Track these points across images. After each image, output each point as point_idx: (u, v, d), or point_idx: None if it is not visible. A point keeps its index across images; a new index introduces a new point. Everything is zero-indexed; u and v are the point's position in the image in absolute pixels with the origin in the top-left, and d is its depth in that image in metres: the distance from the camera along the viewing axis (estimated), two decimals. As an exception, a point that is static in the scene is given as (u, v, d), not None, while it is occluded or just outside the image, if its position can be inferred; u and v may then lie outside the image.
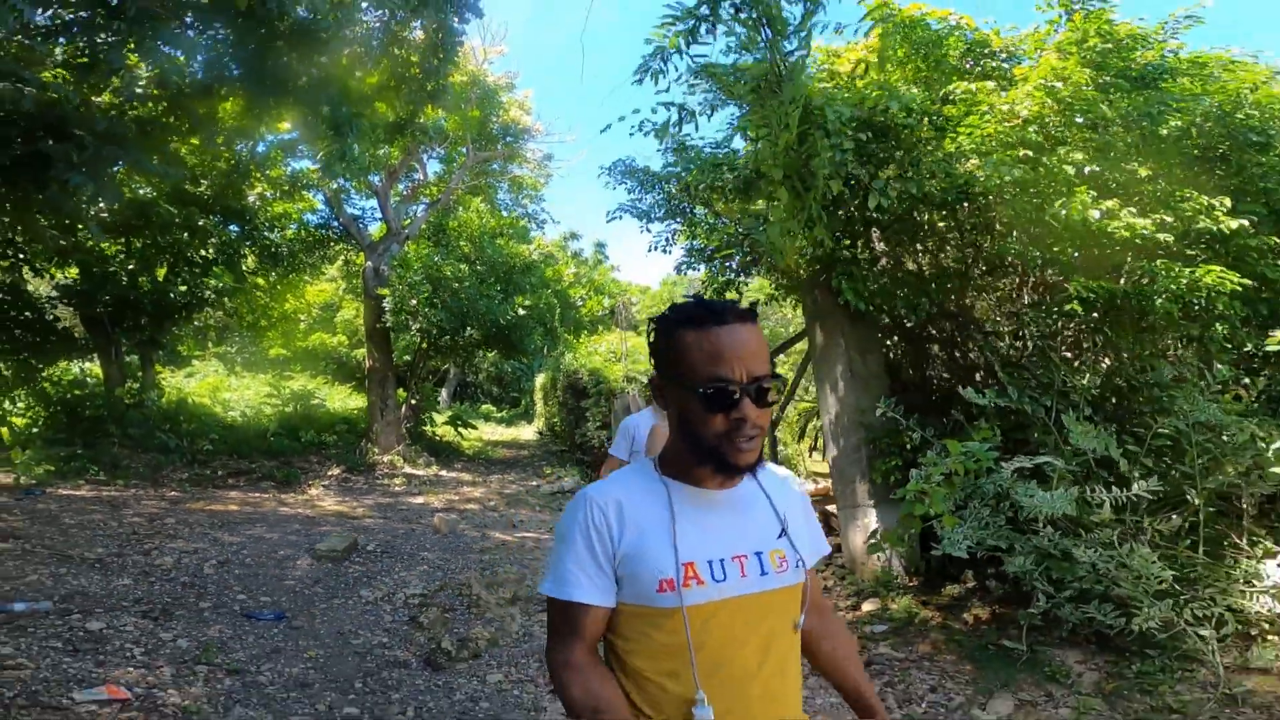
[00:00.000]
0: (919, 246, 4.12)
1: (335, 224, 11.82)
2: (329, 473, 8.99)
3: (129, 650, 3.06)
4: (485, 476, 9.94)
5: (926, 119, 3.56)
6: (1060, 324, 3.66)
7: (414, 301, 9.61)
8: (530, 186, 14.90)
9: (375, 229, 12.63)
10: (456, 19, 7.39)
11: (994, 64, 4.35)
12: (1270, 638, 2.87)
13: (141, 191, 8.88)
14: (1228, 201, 3.20)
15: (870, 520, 4.37)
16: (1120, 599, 2.85)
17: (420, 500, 7.74)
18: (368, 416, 10.91)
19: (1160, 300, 3.03)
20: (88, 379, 10.42)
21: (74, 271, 9.53)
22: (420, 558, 5.04)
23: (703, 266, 6.01)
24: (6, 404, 9.57)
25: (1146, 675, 2.79)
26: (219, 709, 2.69)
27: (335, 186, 10.33)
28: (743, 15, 3.10)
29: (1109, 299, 3.14)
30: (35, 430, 8.98)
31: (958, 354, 4.21)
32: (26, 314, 9.06)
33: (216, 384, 13.97)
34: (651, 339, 1.05)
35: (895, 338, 4.93)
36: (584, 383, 9.62)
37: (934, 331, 4.48)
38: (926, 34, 4.25)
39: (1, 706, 2.49)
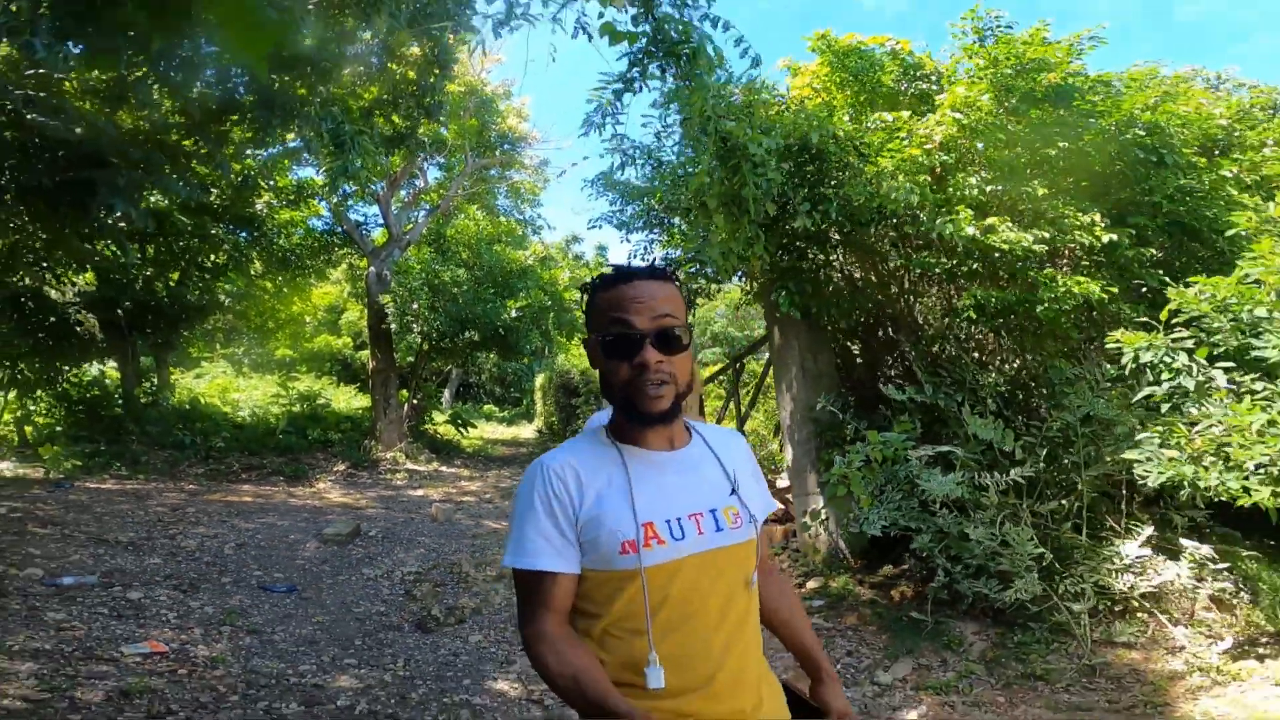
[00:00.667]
0: (854, 258, 4.61)
1: (339, 230, 12.40)
2: (335, 468, 9.56)
3: (164, 615, 3.61)
4: (483, 472, 10.49)
5: (851, 145, 4.06)
6: (971, 328, 4.15)
7: (415, 306, 10.17)
8: (529, 191, 15.44)
9: (378, 234, 13.21)
10: (452, 36, 7.93)
11: (925, 86, 4.85)
12: (1140, 615, 3.34)
13: (154, 199, 9.47)
14: (1097, 216, 3.68)
15: (819, 506, 4.88)
16: (1004, 574, 3.34)
17: (420, 493, 8.30)
18: (371, 415, 11.48)
19: (1042, 308, 3.52)
20: (105, 380, 11.04)
21: (89, 277, 10.14)
22: (417, 542, 5.58)
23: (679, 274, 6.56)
24: (29, 404, 10.22)
25: (1024, 645, 3.26)
26: (240, 660, 3.23)
27: (335, 200, 10.88)
28: (668, 74, 3.62)
29: (1003, 307, 3.64)
30: (59, 429, 9.61)
31: (895, 355, 4.70)
32: (51, 319, 9.66)
33: (225, 385, 14.60)
34: (583, 306, 1.11)
35: (848, 339, 5.43)
36: (575, 382, 10.15)
37: (878, 334, 4.98)
38: (860, 62, 4.76)
39: (64, 659, 3.03)
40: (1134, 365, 2.92)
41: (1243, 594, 3.38)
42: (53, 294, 10.50)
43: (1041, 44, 4.53)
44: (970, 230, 3.55)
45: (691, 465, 1.10)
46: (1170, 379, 2.73)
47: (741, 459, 1.17)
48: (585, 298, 1.10)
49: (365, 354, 15.36)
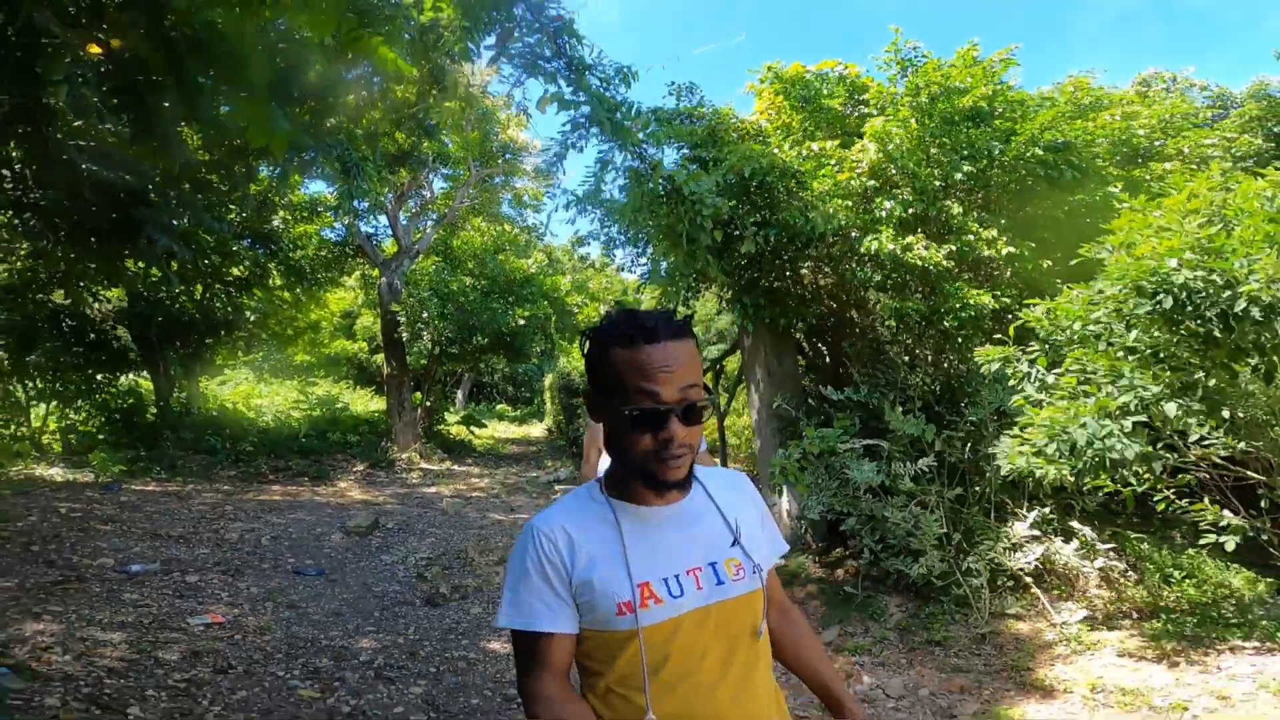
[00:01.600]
0: (805, 272, 5.23)
1: (354, 238, 13.21)
2: (354, 468, 10.37)
3: (217, 594, 4.37)
4: (493, 470, 11.25)
5: (789, 174, 4.69)
6: (902, 332, 4.75)
7: (425, 314, 10.94)
8: (533, 197, 16.15)
9: (388, 244, 14.00)
10: (449, 60, 8.64)
11: (868, 110, 5.45)
12: (1034, 591, 3.93)
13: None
14: (994, 232, 4.27)
15: (783, 497, 5.53)
16: (917, 552, 3.96)
17: (433, 490, 9.06)
18: (387, 418, 12.28)
19: (950, 317, 4.13)
20: (140, 390, 11.95)
21: (117, 292, 11.02)
22: (429, 532, 6.32)
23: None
24: (71, 414, 11.14)
25: (932, 616, 3.88)
26: (282, 627, 3.97)
27: (348, 220, 11.66)
28: (602, 137, 4.33)
29: (920, 316, 4.25)
30: (100, 437, 10.51)
31: (844, 358, 5.33)
32: (90, 335, 10.56)
33: (249, 391, 15.53)
34: (585, 351, 1.06)
35: (814, 342, 6.06)
36: (576, 383, 10.85)
37: (833, 338, 5.61)
38: (805, 90, 5.38)
39: (144, 629, 3.78)
40: (990, 373, 3.53)
41: (1129, 573, 3.98)
42: (88, 311, 11.42)
43: (971, 63, 5.13)
44: (890, 247, 4.17)
45: (690, 519, 1.08)
46: (1015, 384, 3.34)
47: (746, 504, 1.16)
48: (590, 345, 1.05)
49: (380, 358, 16.20)
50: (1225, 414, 2.78)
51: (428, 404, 12.86)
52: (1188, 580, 3.85)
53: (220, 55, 2.74)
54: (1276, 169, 2.99)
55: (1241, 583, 3.81)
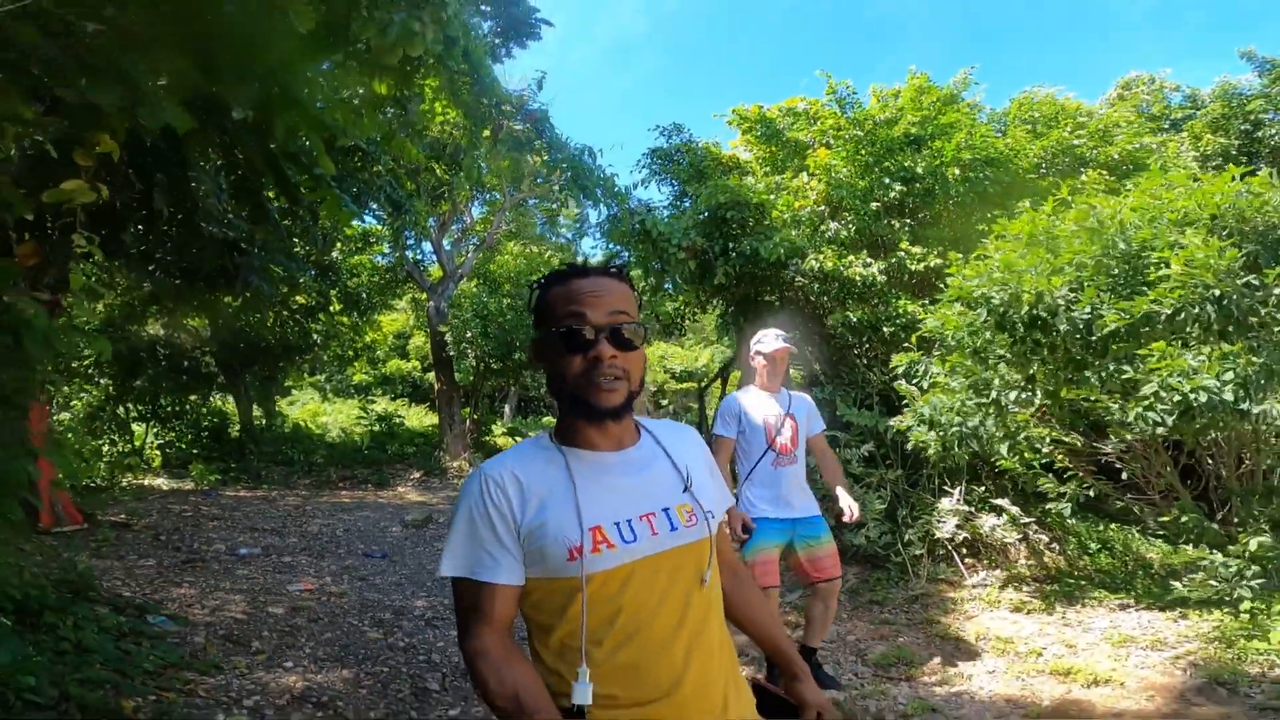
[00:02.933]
0: (767, 290, 6.11)
1: (403, 267, 14.70)
2: (411, 475, 11.70)
3: (306, 570, 5.57)
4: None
5: (753, 206, 5.61)
6: (853, 339, 5.58)
7: (469, 334, 12.22)
8: (567, 216, 17.38)
9: (434, 269, 15.43)
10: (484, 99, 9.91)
11: (825, 139, 6.32)
12: (970, 559, 4.70)
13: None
14: (921, 248, 5.07)
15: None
16: (861, 526, 4.77)
17: (480, 493, 10.26)
18: (439, 431, 13.63)
19: (886, 324, 4.95)
20: (224, 410, 13.68)
21: (202, 322, 12.74)
22: (473, 527, 7.47)
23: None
24: (168, 432, 12.91)
25: (879, 580, 4.69)
26: (355, 593, 5.11)
27: (399, 254, 13.09)
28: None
29: (864, 324, 5.09)
30: (195, 451, 12.18)
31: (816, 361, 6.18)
32: (185, 363, 12.28)
33: (315, 409, 17.27)
34: (530, 304, 1.11)
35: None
36: None
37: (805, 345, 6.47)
38: (767, 127, 6.32)
39: (255, 593, 4.98)
40: (901, 373, 4.36)
41: (1053, 545, 4.71)
42: (180, 341, 13.21)
43: (918, 91, 5.98)
44: (830, 266, 5.05)
45: (641, 464, 1.09)
46: (917, 382, 4.17)
47: (695, 454, 1.17)
48: (535, 294, 1.10)
49: (431, 375, 17.71)
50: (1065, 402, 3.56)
51: (475, 417, 14.15)
52: (1103, 551, 4.56)
53: (305, 164, 3.89)
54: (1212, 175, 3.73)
55: (1157, 555, 4.50)
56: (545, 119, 5.13)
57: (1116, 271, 3.29)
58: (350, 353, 16.73)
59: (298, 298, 13.65)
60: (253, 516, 7.43)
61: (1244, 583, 3.16)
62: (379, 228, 13.59)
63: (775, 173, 6.58)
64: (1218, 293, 2.90)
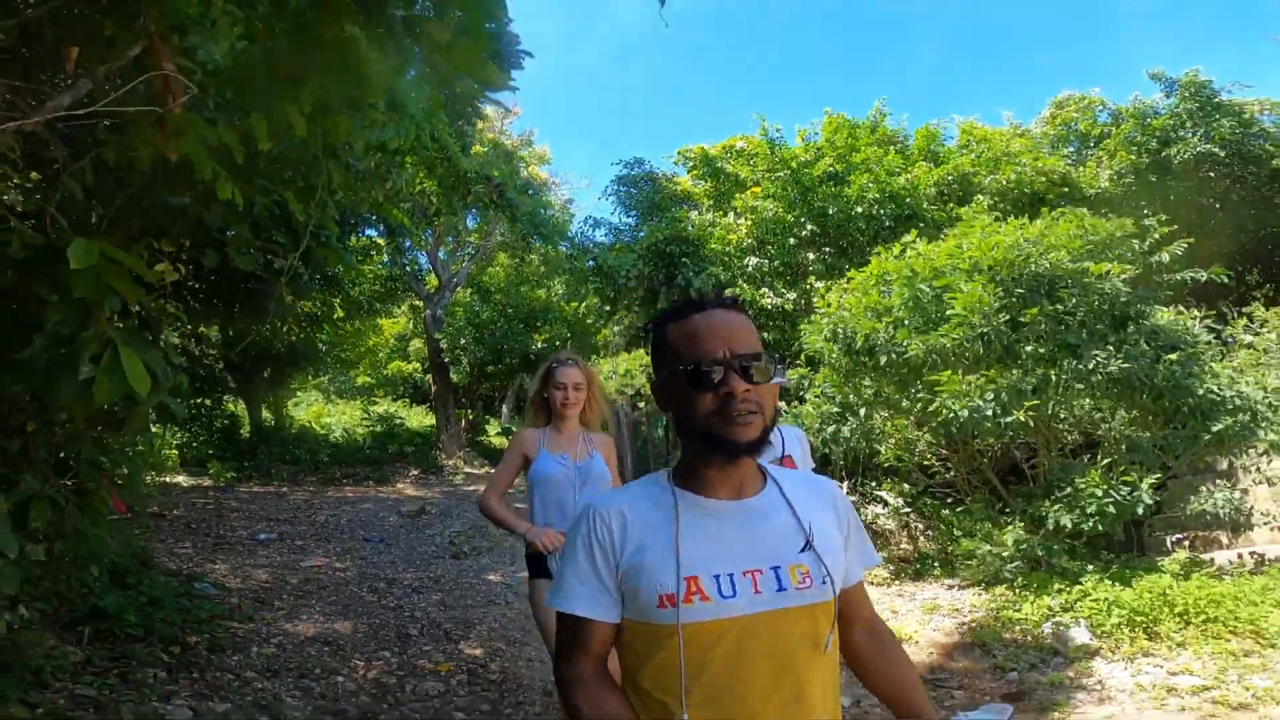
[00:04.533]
0: None
1: (402, 276, 15.96)
2: (409, 473, 12.99)
3: (316, 551, 6.83)
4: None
5: (689, 242, 6.79)
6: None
7: (462, 341, 13.47)
8: (557, 225, 18.59)
9: (431, 277, 16.69)
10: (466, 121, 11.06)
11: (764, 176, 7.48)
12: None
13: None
14: (824, 282, 6.23)
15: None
16: None
17: (472, 488, 11.51)
18: (436, 431, 14.90)
19: (794, 347, 6.12)
20: (235, 413, 15.01)
21: (214, 331, 14.06)
22: (462, 516, 8.70)
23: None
24: (184, 434, 14.25)
25: None
26: (357, 568, 6.36)
27: (397, 270, 14.34)
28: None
29: (777, 346, 6.26)
30: (209, 451, 13.50)
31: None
32: (200, 370, 13.61)
33: (319, 411, 18.58)
34: (647, 345, 1.11)
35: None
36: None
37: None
38: (709, 165, 7.51)
39: (275, 568, 6.24)
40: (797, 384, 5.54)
41: (930, 532, 5.86)
42: (194, 349, 14.55)
43: (834, 131, 7.14)
44: (747, 297, 6.23)
45: (758, 516, 1.06)
46: (803, 394, 5.34)
47: (826, 509, 1.13)
48: (652, 335, 1.09)
49: (431, 377, 19.03)
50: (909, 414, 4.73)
51: (470, 418, 15.42)
52: (966, 538, 5.72)
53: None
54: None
55: (1011, 540, 5.64)
56: (507, 184, 6.33)
57: (929, 310, 4.42)
58: (353, 356, 18.02)
59: (303, 304, 14.96)
60: (267, 509, 8.72)
61: (1007, 567, 4.29)
62: (379, 240, 14.87)
63: (718, 205, 7.76)
64: (986, 331, 4.03)
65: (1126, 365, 3.88)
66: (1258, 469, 5.12)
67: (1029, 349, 4.05)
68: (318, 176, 2.55)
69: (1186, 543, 5.95)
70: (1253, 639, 3.45)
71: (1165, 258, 7.30)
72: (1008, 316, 4.07)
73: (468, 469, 13.72)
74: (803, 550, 1.04)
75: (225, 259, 5.58)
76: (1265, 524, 5.80)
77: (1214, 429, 4.04)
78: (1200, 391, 4.05)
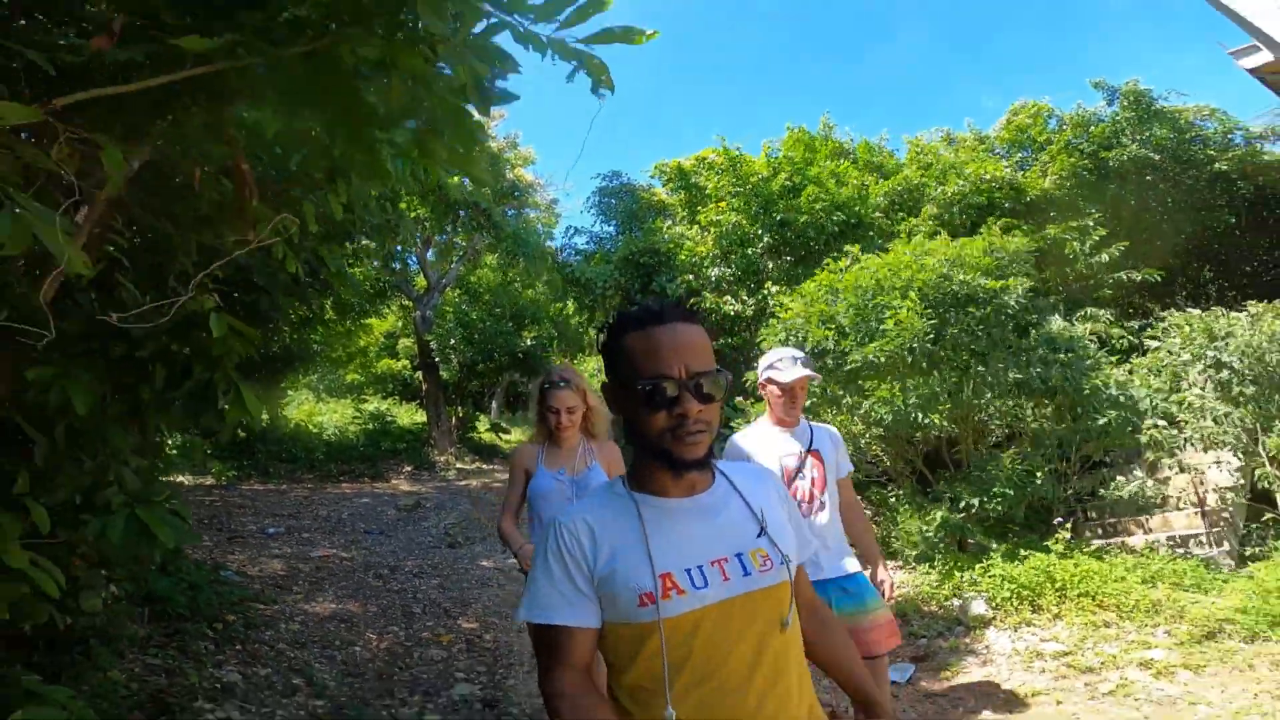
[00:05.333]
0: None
1: (392, 279, 16.58)
2: (403, 469, 13.70)
3: (322, 543, 7.56)
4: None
5: (659, 254, 7.52)
6: (738, 362, 7.51)
7: (452, 342, 14.16)
8: (545, 224, 19.23)
9: (420, 279, 17.32)
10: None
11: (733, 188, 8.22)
12: None
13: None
14: (779, 288, 6.99)
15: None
16: None
17: (464, 483, 12.26)
18: (427, 428, 15.60)
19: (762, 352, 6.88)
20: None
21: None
22: (456, 509, 9.45)
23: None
24: (183, 434, 14.90)
25: None
26: (361, 557, 7.10)
27: (387, 276, 14.95)
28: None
29: (733, 350, 7.02)
30: (209, 451, 14.16)
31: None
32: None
33: (311, 410, 19.21)
34: (600, 346, 1.17)
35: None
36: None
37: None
38: (682, 179, 8.25)
39: (288, 558, 6.97)
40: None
41: (878, 518, 6.64)
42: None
43: (793, 144, 7.88)
44: (709, 304, 6.99)
45: (714, 509, 1.16)
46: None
47: (771, 497, 1.23)
48: (605, 338, 1.15)
49: (420, 375, 19.69)
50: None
51: (460, 415, 16.13)
52: (893, 525, 6.48)
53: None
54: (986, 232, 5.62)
55: (938, 518, 6.43)
56: (493, 208, 7.04)
57: (869, 321, 5.17)
58: (344, 355, 18.64)
59: (296, 305, 15.55)
60: (271, 505, 9.43)
61: (938, 548, 5.06)
62: (368, 244, 15.48)
63: (691, 216, 8.49)
64: (913, 346, 4.78)
65: (1018, 373, 4.66)
66: (1173, 459, 5.89)
67: (947, 357, 4.82)
68: (347, 241, 3.27)
69: (1114, 525, 6.78)
70: (1114, 611, 4.23)
71: (1105, 258, 8.16)
72: (932, 332, 4.83)
73: (459, 465, 14.46)
74: (759, 535, 1.14)
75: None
76: (1180, 509, 6.65)
77: (1099, 423, 4.83)
78: (1086, 391, 4.83)
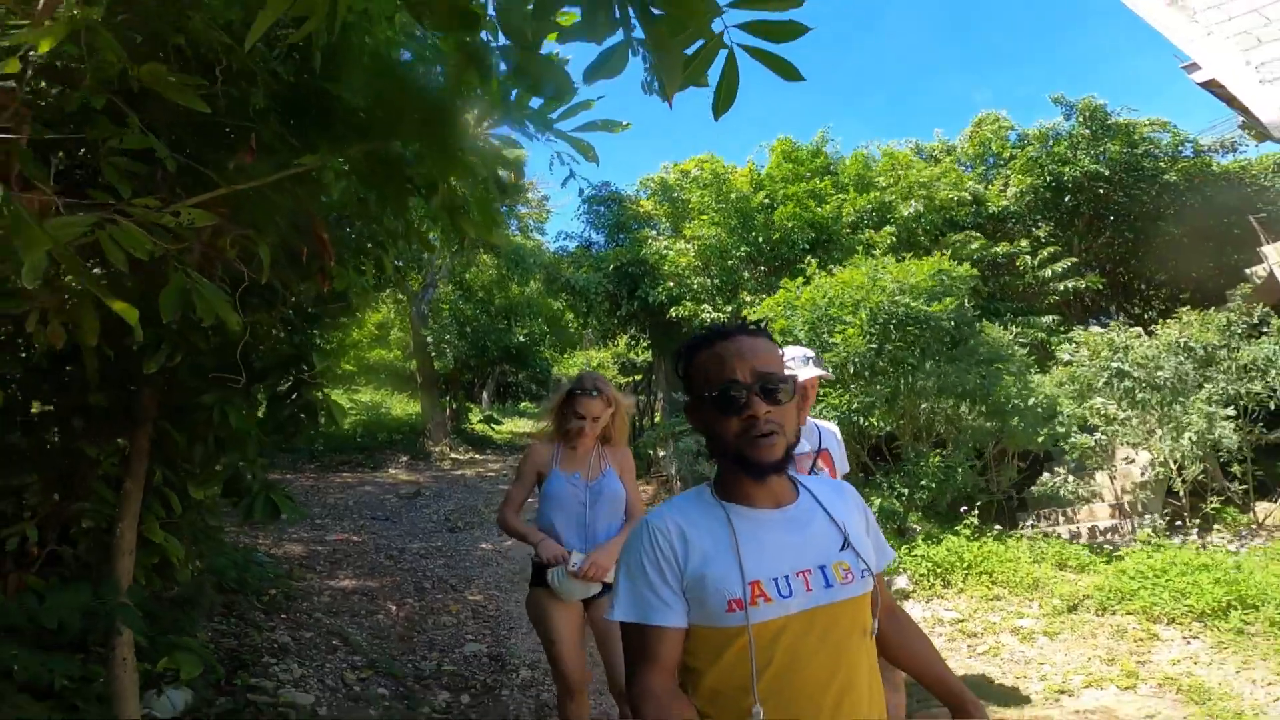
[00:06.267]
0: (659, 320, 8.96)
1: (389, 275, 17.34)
2: (400, 459, 14.60)
3: (334, 528, 8.48)
4: (505, 457, 15.34)
5: (645, 263, 8.41)
6: None
7: (447, 337, 15.00)
8: (536, 220, 20.03)
9: (414, 275, 18.10)
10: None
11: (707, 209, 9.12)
12: None
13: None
14: (752, 297, 7.90)
15: (673, 464, 9.30)
16: None
17: (459, 472, 13.18)
18: (422, 420, 16.47)
19: None
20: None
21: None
22: (454, 497, 10.38)
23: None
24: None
25: None
26: (371, 539, 8.02)
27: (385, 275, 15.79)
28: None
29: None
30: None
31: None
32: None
33: (307, 399, 20.02)
34: (679, 369, 1.27)
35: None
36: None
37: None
38: (667, 191, 9.13)
39: (308, 543, 7.88)
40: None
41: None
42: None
43: (784, 154, 8.78)
44: (687, 312, 7.90)
45: (800, 522, 1.25)
46: None
47: (853, 510, 1.33)
48: (681, 363, 1.27)
49: (413, 364, 20.50)
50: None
51: (453, 407, 17.02)
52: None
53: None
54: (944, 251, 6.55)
55: (876, 505, 7.41)
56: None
57: (822, 335, 6.08)
58: (339, 346, 19.42)
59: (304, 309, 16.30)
60: (283, 494, 10.35)
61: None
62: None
63: (675, 226, 9.38)
64: (856, 357, 5.70)
65: (940, 380, 5.60)
66: (1099, 458, 6.87)
67: (885, 368, 5.74)
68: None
69: (1052, 517, 7.79)
70: (1005, 586, 5.20)
71: (1049, 272, 9.13)
72: (875, 345, 5.75)
73: (453, 455, 15.36)
74: (842, 549, 1.22)
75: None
76: (1105, 502, 7.67)
77: (1011, 424, 5.78)
78: (1002, 397, 5.77)
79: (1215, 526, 6.60)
